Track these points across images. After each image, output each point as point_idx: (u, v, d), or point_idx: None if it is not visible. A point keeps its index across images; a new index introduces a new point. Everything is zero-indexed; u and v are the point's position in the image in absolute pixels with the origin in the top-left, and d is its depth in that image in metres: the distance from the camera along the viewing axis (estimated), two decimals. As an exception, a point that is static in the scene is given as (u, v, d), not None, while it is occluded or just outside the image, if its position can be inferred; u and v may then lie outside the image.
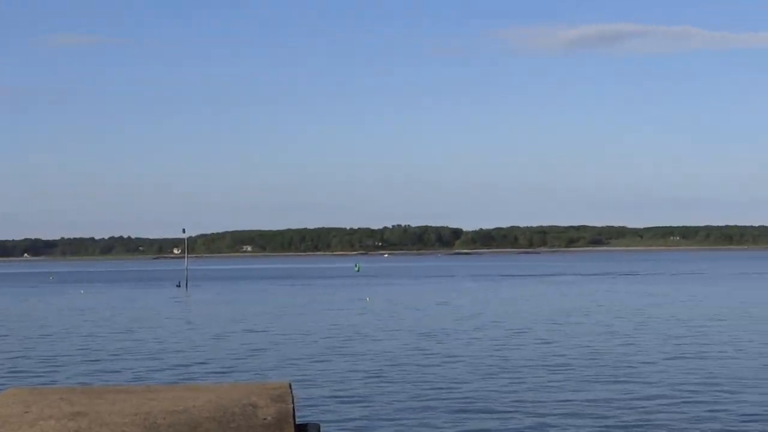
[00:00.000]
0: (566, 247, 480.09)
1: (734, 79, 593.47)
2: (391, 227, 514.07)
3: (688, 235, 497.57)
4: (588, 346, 43.09)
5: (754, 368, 34.88)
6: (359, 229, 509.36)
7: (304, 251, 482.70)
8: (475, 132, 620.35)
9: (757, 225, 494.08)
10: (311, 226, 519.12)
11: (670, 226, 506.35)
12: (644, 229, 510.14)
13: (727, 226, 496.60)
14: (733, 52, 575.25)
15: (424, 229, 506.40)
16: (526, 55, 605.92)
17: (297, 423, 7.34)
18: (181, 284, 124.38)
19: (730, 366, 35.58)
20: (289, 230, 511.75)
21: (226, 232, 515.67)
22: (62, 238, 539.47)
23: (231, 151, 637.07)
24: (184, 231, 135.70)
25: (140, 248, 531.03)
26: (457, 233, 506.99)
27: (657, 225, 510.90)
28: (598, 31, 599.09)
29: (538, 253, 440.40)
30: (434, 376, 33.96)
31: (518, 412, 26.62)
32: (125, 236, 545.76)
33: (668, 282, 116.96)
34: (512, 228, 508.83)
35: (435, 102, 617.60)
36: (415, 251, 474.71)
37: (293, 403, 7.60)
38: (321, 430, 8.60)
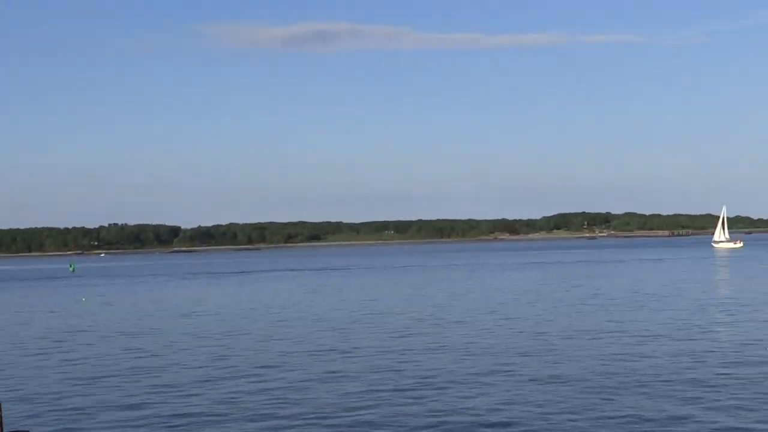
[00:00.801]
0: (285, 243, 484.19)
1: (446, 79, 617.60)
2: (107, 226, 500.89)
3: (402, 229, 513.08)
4: (307, 341, 43.96)
5: (461, 360, 36.68)
6: (74, 228, 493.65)
7: (16, 252, 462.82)
8: (190, 130, 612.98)
9: (465, 219, 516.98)
10: (22, 226, 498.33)
11: (385, 221, 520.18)
12: (360, 224, 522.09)
13: (438, 220, 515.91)
14: (444, 52, 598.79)
15: (142, 228, 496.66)
16: (239, 53, 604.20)
17: (5, 434, 7.56)
18: None
19: (440, 358, 37.17)
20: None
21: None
22: None
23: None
24: None
25: None
26: (175, 231, 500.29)
27: (372, 220, 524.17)
28: (311, 29, 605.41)
29: (258, 249, 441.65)
30: (150, 379, 33.70)
31: (238, 416, 26.88)
32: None
33: (379, 275, 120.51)
34: (231, 225, 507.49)
35: (143, 100, 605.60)
36: (132, 250, 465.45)
37: (0, 412, 7.80)
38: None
